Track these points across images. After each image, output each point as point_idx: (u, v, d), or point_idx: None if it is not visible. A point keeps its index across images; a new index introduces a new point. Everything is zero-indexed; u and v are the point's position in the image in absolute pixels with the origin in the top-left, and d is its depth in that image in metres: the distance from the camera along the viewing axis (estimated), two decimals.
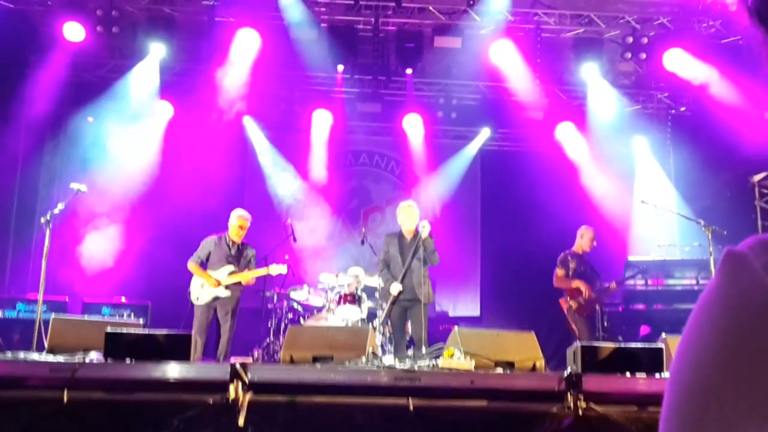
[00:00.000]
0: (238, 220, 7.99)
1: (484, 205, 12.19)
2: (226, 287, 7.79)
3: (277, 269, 8.02)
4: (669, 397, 0.60)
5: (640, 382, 4.71)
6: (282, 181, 11.87)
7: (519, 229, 11.49)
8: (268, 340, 8.67)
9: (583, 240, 8.59)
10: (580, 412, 4.44)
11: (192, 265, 7.88)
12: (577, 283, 8.26)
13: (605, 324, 9.76)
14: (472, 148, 12.18)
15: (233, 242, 7.99)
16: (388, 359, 6.04)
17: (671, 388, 0.60)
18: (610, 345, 5.18)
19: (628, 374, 4.82)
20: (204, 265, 7.93)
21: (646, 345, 5.66)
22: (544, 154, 11.73)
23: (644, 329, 9.35)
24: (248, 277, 7.87)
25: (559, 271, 8.42)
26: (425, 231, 7.38)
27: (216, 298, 7.81)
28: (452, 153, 12.21)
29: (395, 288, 7.38)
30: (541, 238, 11.09)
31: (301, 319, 8.85)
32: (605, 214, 11.11)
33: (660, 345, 5.29)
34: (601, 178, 11.46)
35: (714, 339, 0.57)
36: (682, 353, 0.60)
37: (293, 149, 11.85)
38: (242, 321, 8.30)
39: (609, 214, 11.11)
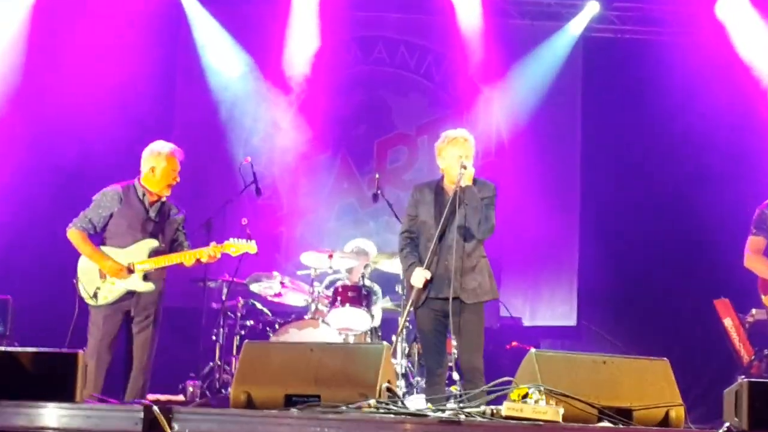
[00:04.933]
0: (169, 159, 6.01)
1: (586, 133, 9.58)
2: (146, 277, 5.92)
3: (240, 246, 6.15)
4: None
5: None
6: (238, 89, 9.47)
7: (647, 177, 9.28)
8: (211, 365, 7.44)
9: None
10: None
11: (75, 235, 5.90)
12: None
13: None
14: (568, 35, 9.54)
15: (154, 197, 6.04)
16: (416, 401, 5.55)
17: None
18: None
19: None
20: (99, 237, 5.90)
21: None
22: (694, 45, 9.26)
23: None
24: (192, 260, 5.90)
25: (753, 241, 5.93)
26: (466, 177, 5.66)
27: (129, 296, 5.99)
28: (534, 43, 9.58)
29: (418, 277, 5.63)
30: (684, 192, 9.18)
31: (268, 330, 7.50)
32: None
33: None
34: None
35: None
36: None
37: (258, 34, 9.36)
38: (168, 331, 6.48)
39: None
